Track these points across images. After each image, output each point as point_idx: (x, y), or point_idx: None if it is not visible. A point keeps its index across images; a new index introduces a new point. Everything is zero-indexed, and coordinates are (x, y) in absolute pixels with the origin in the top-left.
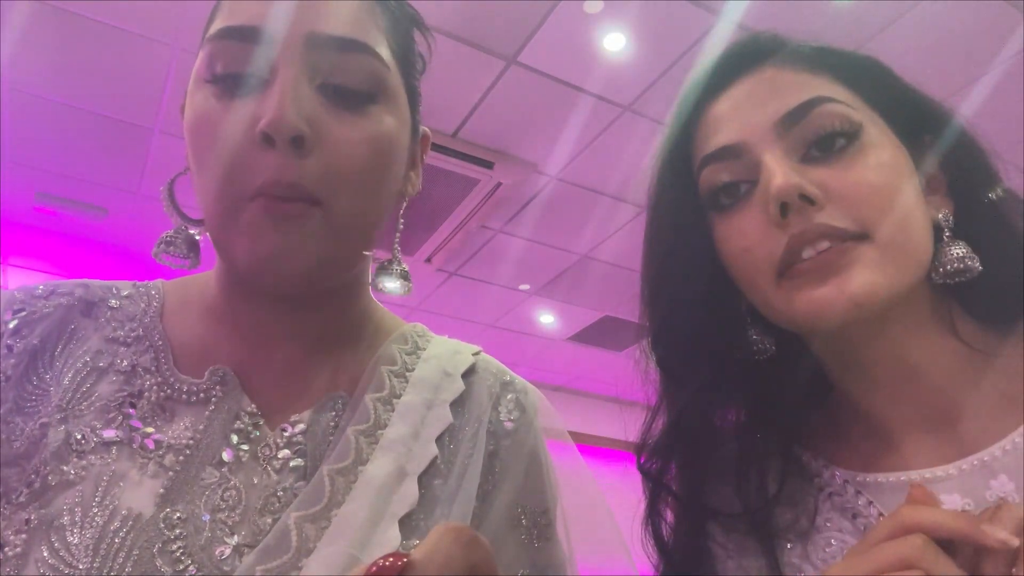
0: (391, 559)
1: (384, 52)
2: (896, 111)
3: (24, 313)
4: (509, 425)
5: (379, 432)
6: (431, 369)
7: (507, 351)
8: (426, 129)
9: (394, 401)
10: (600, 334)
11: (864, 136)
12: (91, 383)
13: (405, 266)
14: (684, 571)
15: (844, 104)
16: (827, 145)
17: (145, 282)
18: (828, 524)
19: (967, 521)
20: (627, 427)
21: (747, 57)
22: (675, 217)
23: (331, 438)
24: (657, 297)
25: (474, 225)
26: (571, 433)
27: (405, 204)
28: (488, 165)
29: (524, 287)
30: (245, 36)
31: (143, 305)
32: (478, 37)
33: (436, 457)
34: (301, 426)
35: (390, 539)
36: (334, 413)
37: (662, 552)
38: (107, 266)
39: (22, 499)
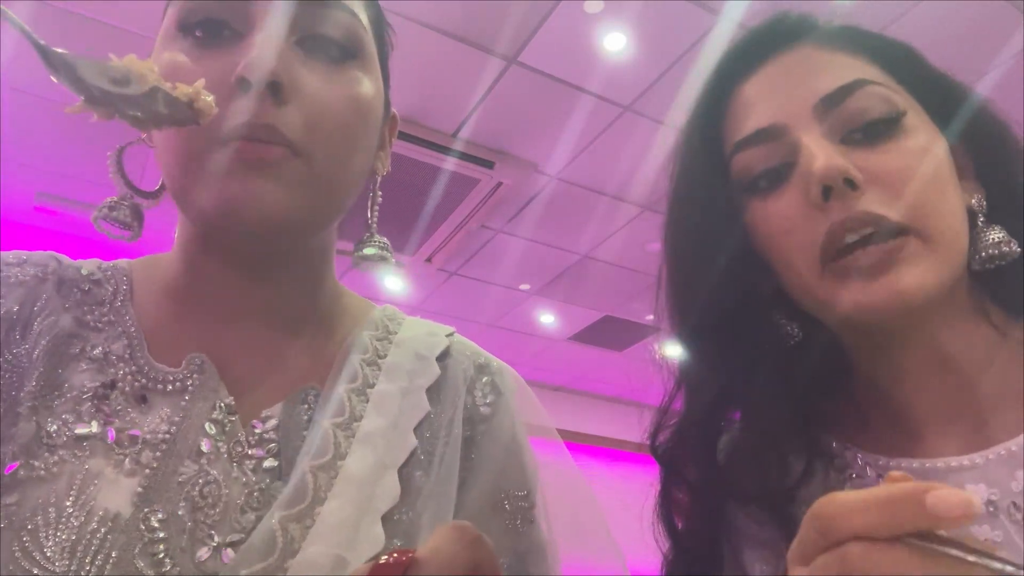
0: (395, 556)
1: (362, 15)
2: (929, 95)
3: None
4: (485, 410)
5: (355, 424)
6: (404, 354)
7: (507, 351)
8: (395, 111)
9: (368, 391)
10: (600, 334)
11: (905, 121)
12: (62, 370)
13: (384, 239)
14: (696, 556)
15: (885, 87)
16: (869, 129)
17: (111, 263)
18: None
19: (908, 506)
20: (627, 427)
21: (779, 36)
22: (704, 201)
23: (304, 433)
24: (683, 282)
25: (474, 225)
26: (571, 433)
27: (378, 181)
28: (488, 165)
29: (524, 287)
30: None
31: (111, 288)
32: (478, 37)
33: (416, 448)
34: (272, 422)
35: (374, 536)
36: (306, 406)
37: (673, 537)
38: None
39: None
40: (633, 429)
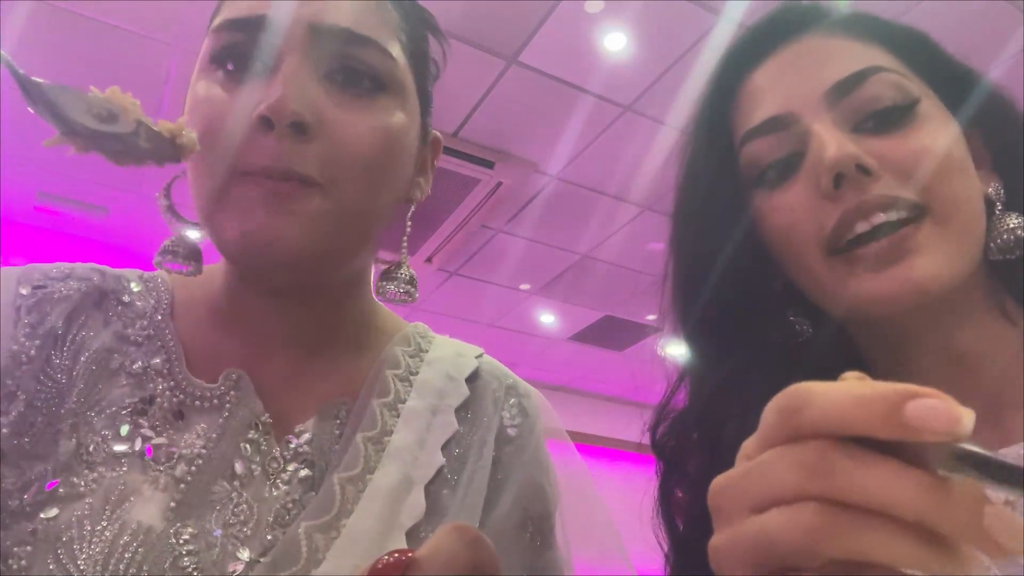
0: (395, 555)
1: (393, 48)
2: (943, 82)
3: (45, 290)
4: (512, 432)
5: (385, 439)
6: (435, 373)
7: (507, 351)
8: (437, 133)
9: (399, 406)
10: (600, 334)
11: (919, 108)
12: (102, 385)
13: (412, 271)
14: (698, 553)
15: (899, 74)
16: (882, 117)
17: (152, 274)
18: None
19: (884, 407)
20: (627, 427)
21: (787, 25)
22: (712, 193)
23: (336, 447)
24: (689, 276)
25: (474, 225)
26: (571, 433)
27: (412, 209)
28: (488, 165)
29: (524, 287)
30: (250, 26)
31: (152, 301)
32: (478, 37)
33: (443, 467)
34: (306, 436)
35: None
36: (338, 420)
37: (673, 535)
38: (108, 266)
39: (27, 508)
40: (633, 429)
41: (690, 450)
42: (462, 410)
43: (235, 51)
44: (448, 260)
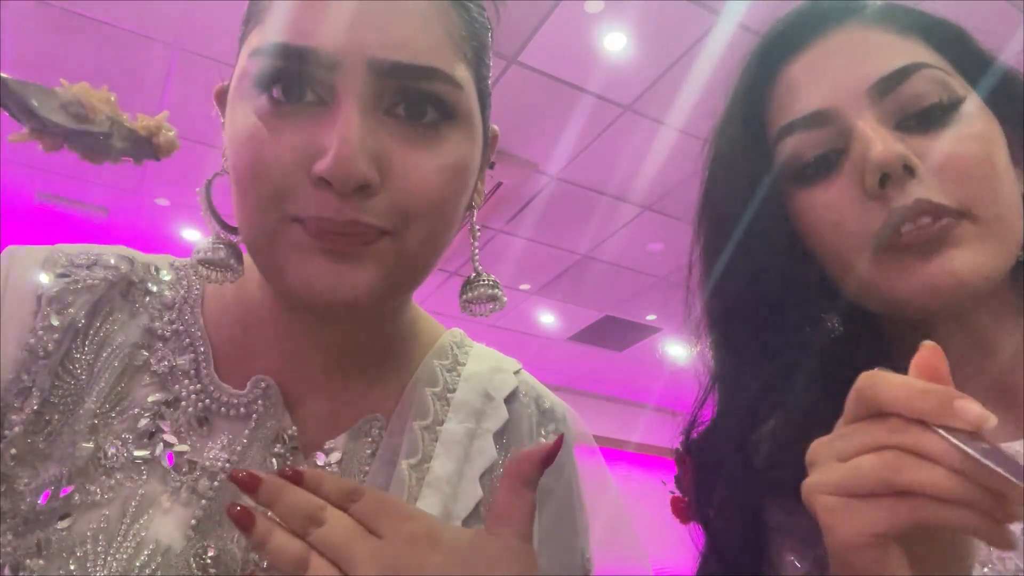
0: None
1: (459, 70)
2: (981, 78)
3: (67, 279)
4: None
5: (425, 466)
6: (472, 391)
7: (507, 351)
8: (495, 127)
9: (437, 429)
10: (600, 334)
11: (962, 106)
12: (125, 383)
13: (493, 276)
14: (733, 556)
15: (941, 71)
16: (925, 114)
17: (184, 261)
18: None
19: (939, 400)
20: (627, 427)
21: (824, 15)
22: (744, 188)
23: (366, 468)
24: (721, 274)
25: None
26: None
27: (475, 216)
28: (488, 165)
29: (524, 287)
30: (300, 57)
31: (183, 292)
32: None
33: (480, 500)
34: (336, 455)
35: None
36: (370, 439)
37: (710, 536)
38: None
39: (40, 516)
40: (633, 429)
41: (726, 452)
42: (500, 435)
43: (283, 78)
44: (448, 260)
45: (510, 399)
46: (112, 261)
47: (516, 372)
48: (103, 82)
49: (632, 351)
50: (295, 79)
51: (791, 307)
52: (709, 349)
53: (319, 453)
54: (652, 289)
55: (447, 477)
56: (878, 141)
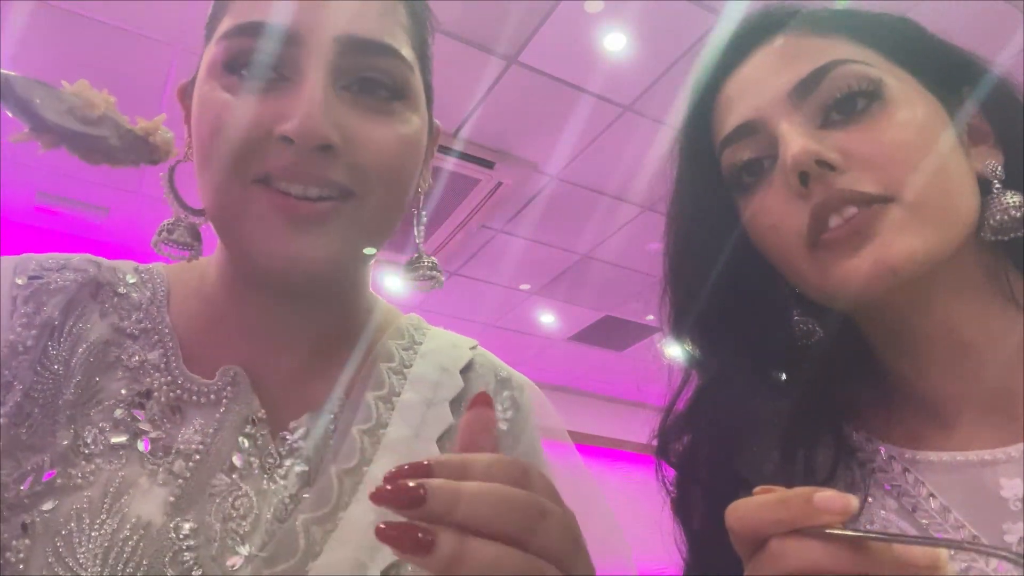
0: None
1: (407, 52)
2: (926, 64)
3: (40, 281)
4: (503, 425)
5: (381, 431)
6: (429, 365)
7: (507, 351)
8: (438, 123)
9: (394, 399)
10: (600, 334)
11: (886, 93)
12: (99, 377)
13: (433, 259)
14: (715, 557)
15: (861, 63)
16: (847, 107)
17: (147, 266)
18: (871, 501)
19: (799, 503)
20: (627, 427)
21: (759, 30)
22: (699, 201)
23: (331, 441)
24: (686, 286)
25: (474, 225)
26: (571, 433)
27: (422, 199)
28: (488, 165)
29: (524, 287)
30: (268, 33)
31: (148, 294)
32: (478, 37)
33: None
34: (301, 431)
35: None
36: (333, 416)
37: (691, 539)
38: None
39: (24, 500)
40: (633, 429)
41: (702, 454)
42: (456, 403)
43: (251, 57)
44: (448, 260)
45: (465, 370)
46: (80, 265)
47: (472, 348)
48: (103, 82)
49: (632, 351)
50: (263, 56)
51: (760, 311)
52: (686, 357)
53: (285, 432)
54: (652, 289)
55: (403, 440)
56: (794, 142)
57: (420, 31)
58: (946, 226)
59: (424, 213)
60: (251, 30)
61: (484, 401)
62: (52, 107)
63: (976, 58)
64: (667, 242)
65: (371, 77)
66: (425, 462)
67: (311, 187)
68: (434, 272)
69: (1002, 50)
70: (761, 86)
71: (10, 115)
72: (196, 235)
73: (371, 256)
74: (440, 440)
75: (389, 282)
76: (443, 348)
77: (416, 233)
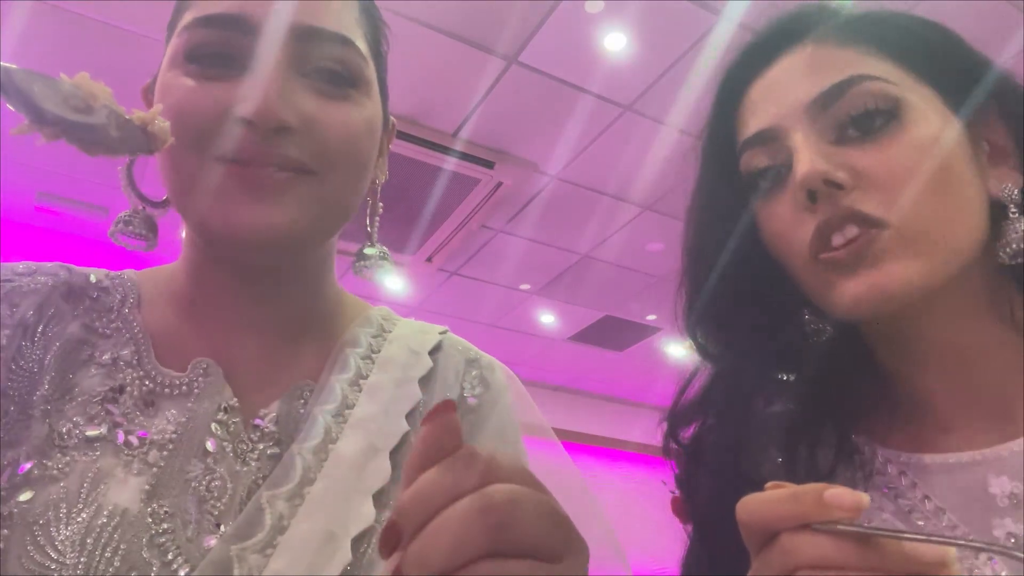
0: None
1: (362, 45)
2: (952, 80)
3: (12, 284)
4: (472, 401)
5: (347, 411)
6: (397, 349)
7: (507, 351)
8: (393, 119)
9: (361, 382)
10: (600, 334)
11: (903, 113)
12: (73, 374)
13: (384, 248)
14: (719, 552)
15: (883, 80)
16: (863, 125)
17: (118, 272)
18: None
19: (810, 499)
20: (627, 427)
21: (787, 34)
22: (719, 199)
23: (301, 427)
24: (703, 281)
25: (474, 225)
26: (571, 433)
27: (379, 189)
28: (488, 165)
29: (524, 287)
30: (229, 23)
31: (119, 296)
32: (478, 37)
33: (407, 432)
34: (272, 416)
35: (365, 513)
36: (303, 401)
37: (698, 533)
38: (108, 266)
39: (1, 492)
40: (633, 429)
41: (711, 452)
42: (425, 380)
43: (212, 48)
44: (448, 260)
45: (434, 351)
46: (51, 270)
47: (442, 333)
48: (103, 81)
49: (632, 351)
50: (223, 48)
51: (773, 310)
52: (698, 350)
53: (257, 419)
54: (652, 289)
55: (371, 417)
56: (805, 159)
57: (373, 29)
58: (945, 254)
59: (380, 204)
60: (212, 21)
61: (445, 407)
62: (52, 99)
63: (1004, 72)
64: (686, 235)
65: (327, 67)
66: (393, 519)
67: (270, 166)
68: (383, 262)
69: (1002, 50)
70: (783, 94)
71: (10, 107)
72: (152, 227)
73: (331, 236)
74: (409, 416)
75: (390, 282)
76: (412, 334)
77: (368, 223)
